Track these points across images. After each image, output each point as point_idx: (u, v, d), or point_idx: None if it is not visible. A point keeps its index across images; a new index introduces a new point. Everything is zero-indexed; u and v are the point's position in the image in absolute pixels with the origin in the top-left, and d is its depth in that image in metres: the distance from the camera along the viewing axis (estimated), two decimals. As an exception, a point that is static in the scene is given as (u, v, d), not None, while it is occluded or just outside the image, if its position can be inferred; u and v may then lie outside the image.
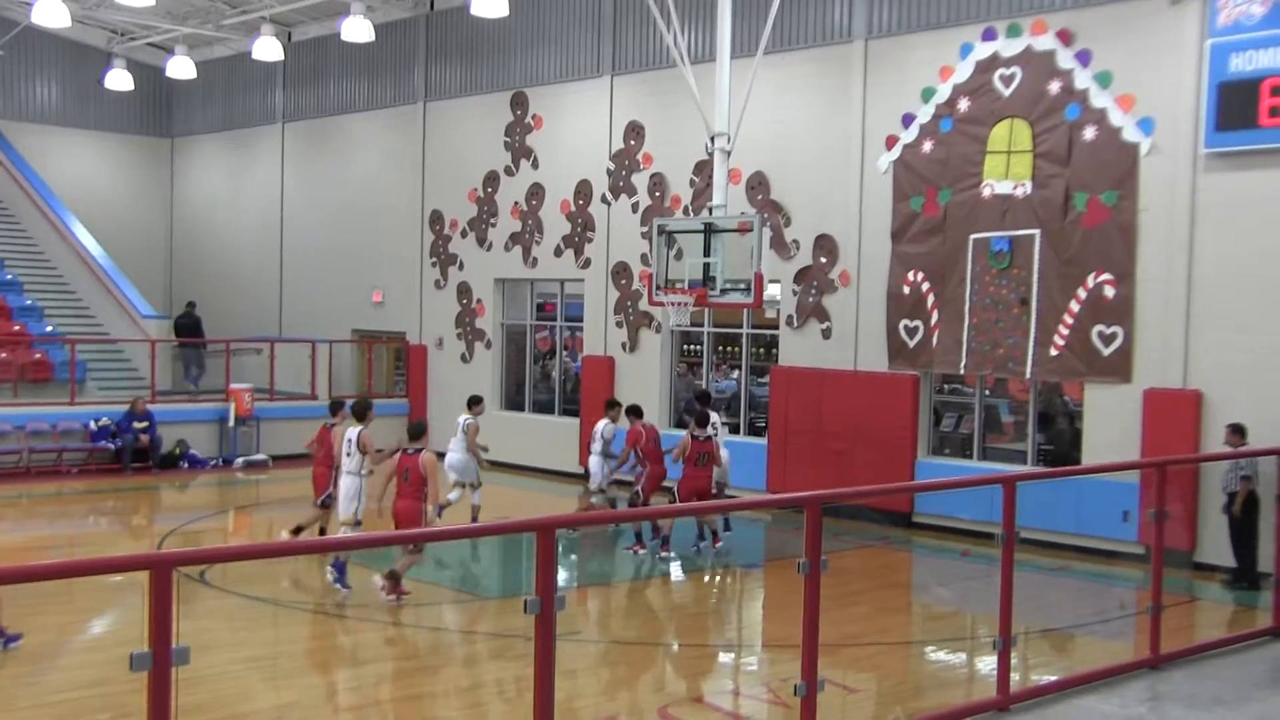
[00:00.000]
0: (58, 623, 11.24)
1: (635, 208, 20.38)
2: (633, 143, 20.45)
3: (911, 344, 16.92)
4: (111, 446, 21.16)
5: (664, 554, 14.49)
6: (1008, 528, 7.92)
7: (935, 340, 16.62)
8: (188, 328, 26.62)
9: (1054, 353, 15.47)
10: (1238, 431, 13.49)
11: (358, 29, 22.74)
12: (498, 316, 23.11)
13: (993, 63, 16.08)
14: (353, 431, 13.01)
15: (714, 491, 14.78)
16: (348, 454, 12.98)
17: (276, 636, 11.48)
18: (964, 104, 16.34)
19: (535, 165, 22.09)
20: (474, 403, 16.15)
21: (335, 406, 14.47)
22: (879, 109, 17.25)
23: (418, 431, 12.52)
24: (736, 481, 18.21)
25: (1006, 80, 15.95)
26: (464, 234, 23.47)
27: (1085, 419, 15.52)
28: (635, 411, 15.58)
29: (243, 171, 29.35)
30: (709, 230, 15.57)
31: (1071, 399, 16.40)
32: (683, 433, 15.39)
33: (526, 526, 6.54)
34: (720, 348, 20.38)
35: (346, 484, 12.96)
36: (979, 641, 11.22)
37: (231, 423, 22.39)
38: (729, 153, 16.01)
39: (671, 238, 16.05)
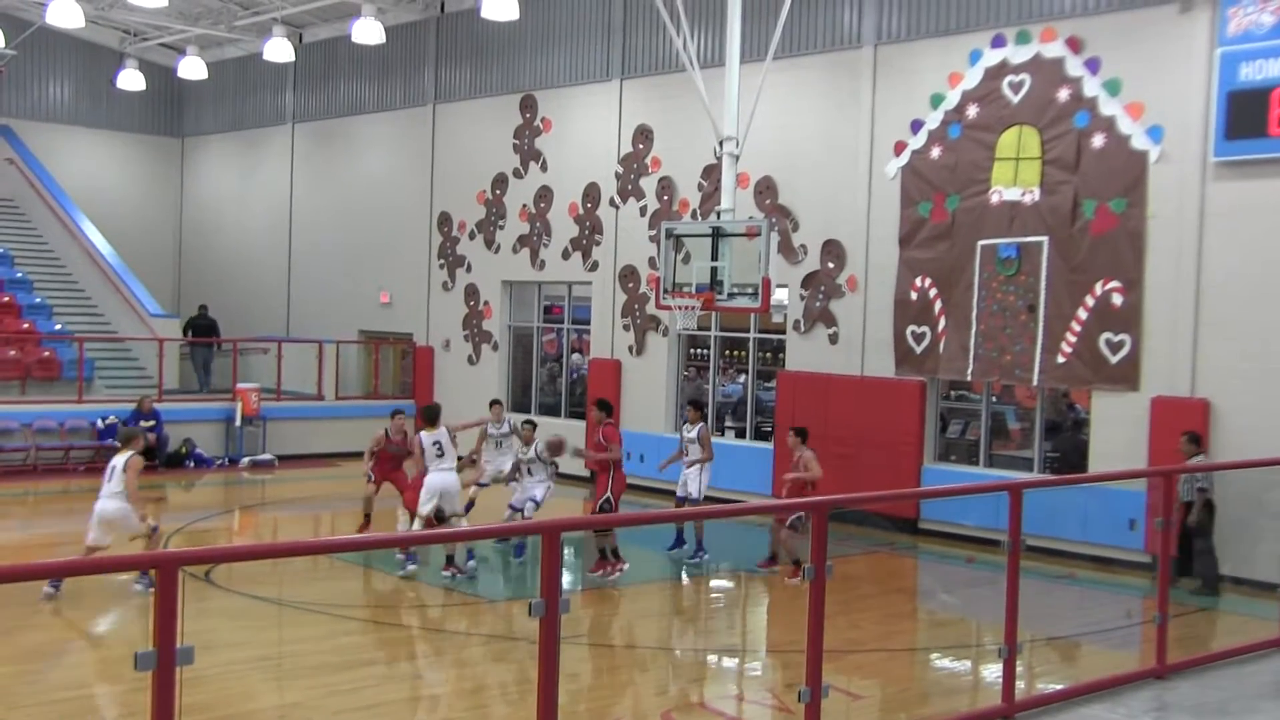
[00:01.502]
0: (63, 621, 11.26)
1: (643, 211, 20.38)
2: (641, 146, 20.47)
3: (918, 350, 16.91)
4: (118, 445, 21.16)
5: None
6: (1014, 535, 7.91)
7: (942, 346, 16.61)
8: (206, 329, 26.61)
9: (1061, 360, 15.44)
10: (1194, 441, 13.64)
11: (368, 31, 22.79)
12: (505, 319, 23.13)
13: (1002, 69, 16.07)
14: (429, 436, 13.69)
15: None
16: (439, 454, 13.58)
17: (281, 637, 11.50)
18: (973, 110, 16.33)
19: (544, 168, 22.11)
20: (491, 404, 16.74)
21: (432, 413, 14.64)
22: (888, 115, 17.24)
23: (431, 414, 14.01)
24: (743, 486, 18.24)
25: (1015, 87, 15.94)
26: (472, 236, 23.49)
27: (1092, 426, 15.49)
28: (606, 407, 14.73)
29: (252, 172, 29.42)
30: (717, 234, 15.56)
31: (1079, 406, 16.37)
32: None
33: (532, 529, 6.55)
34: (727, 352, 20.35)
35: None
36: (984, 649, 11.20)
37: (238, 422, 22.42)
38: (737, 157, 15.99)
39: (679, 241, 16.05)
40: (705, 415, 15.04)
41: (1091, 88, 15.21)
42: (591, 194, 21.25)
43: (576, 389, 22.34)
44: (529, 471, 14.23)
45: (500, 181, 22.87)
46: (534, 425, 14.83)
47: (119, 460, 12.32)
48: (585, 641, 11.03)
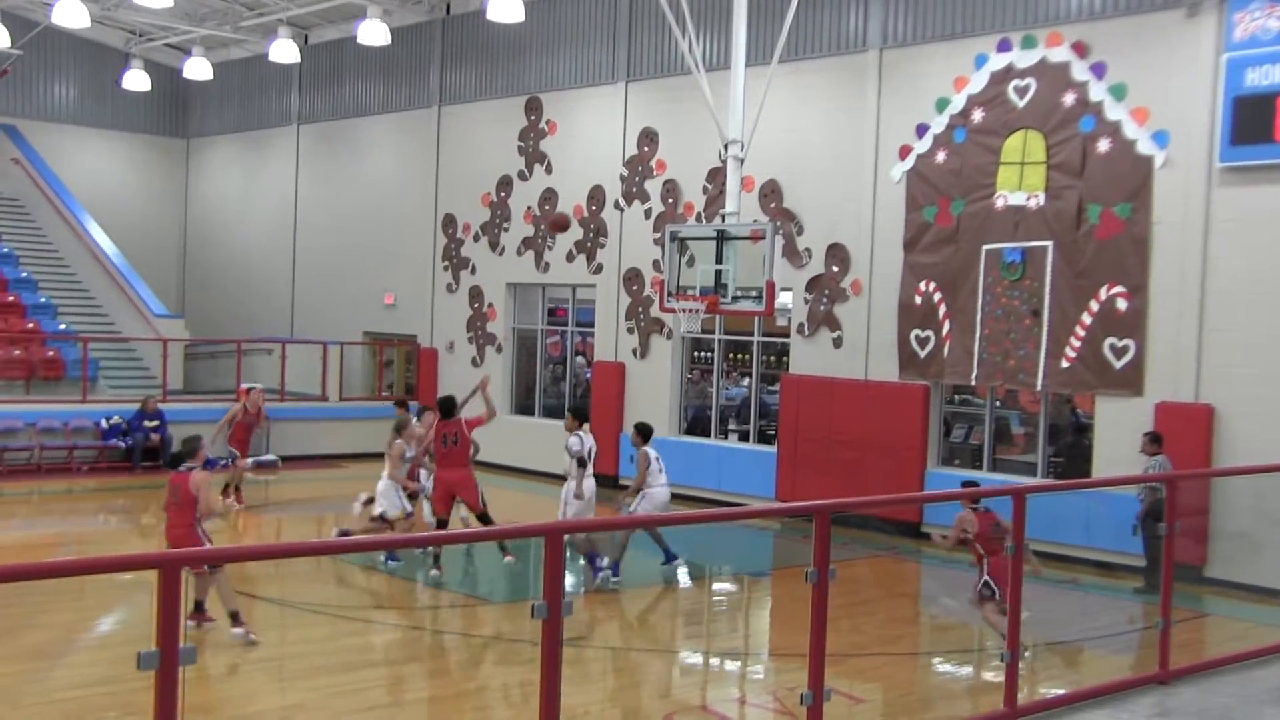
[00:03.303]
0: (66, 620, 11.27)
1: (648, 214, 20.38)
2: (646, 149, 20.47)
3: (922, 354, 16.90)
4: (122, 445, 21.21)
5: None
6: (1017, 539, 7.91)
7: (946, 351, 16.60)
8: None
9: (1065, 365, 15.43)
10: (1155, 440, 13.72)
11: (374, 32, 22.82)
12: (509, 321, 23.14)
13: (1007, 74, 16.07)
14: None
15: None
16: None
17: (283, 638, 11.50)
18: (978, 114, 16.32)
19: (549, 170, 22.12)
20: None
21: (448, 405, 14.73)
22: (893, 119, 17.24)
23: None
24: (746, 489, 18.25)
25: (1021, 91, 15.93)
26: (476, 238, 23.51)
27: (1096, 431, 15.48)
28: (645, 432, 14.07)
29: (257, 173, 29.45)
30: (721, 237, 15.57)
31: (1082, 411, 16.36)
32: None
33: (535, 531, 6.55)
34: (731, 355, 20.36)
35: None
36: (986, 653, 11.18)
37: (242, 423, 22.40)
38: (742, 160, 16.00)
39: (684, 244, 16.05)
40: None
41: (1097, 92, 15.20)
42: (596, 196, 21.25)
43: (578, 390, 22.35)
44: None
45: (505, 183, 22.88)
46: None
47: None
48: (587, 644, 11.02)
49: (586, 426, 13.83)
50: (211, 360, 26.70)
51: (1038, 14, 15.86)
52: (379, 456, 15.12)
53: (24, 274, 25.80)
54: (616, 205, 20.92)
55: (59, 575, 11.06)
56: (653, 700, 9.84)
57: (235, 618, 10.49)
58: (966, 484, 11.63)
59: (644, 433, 13.85)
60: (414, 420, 14.87)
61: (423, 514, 14.39)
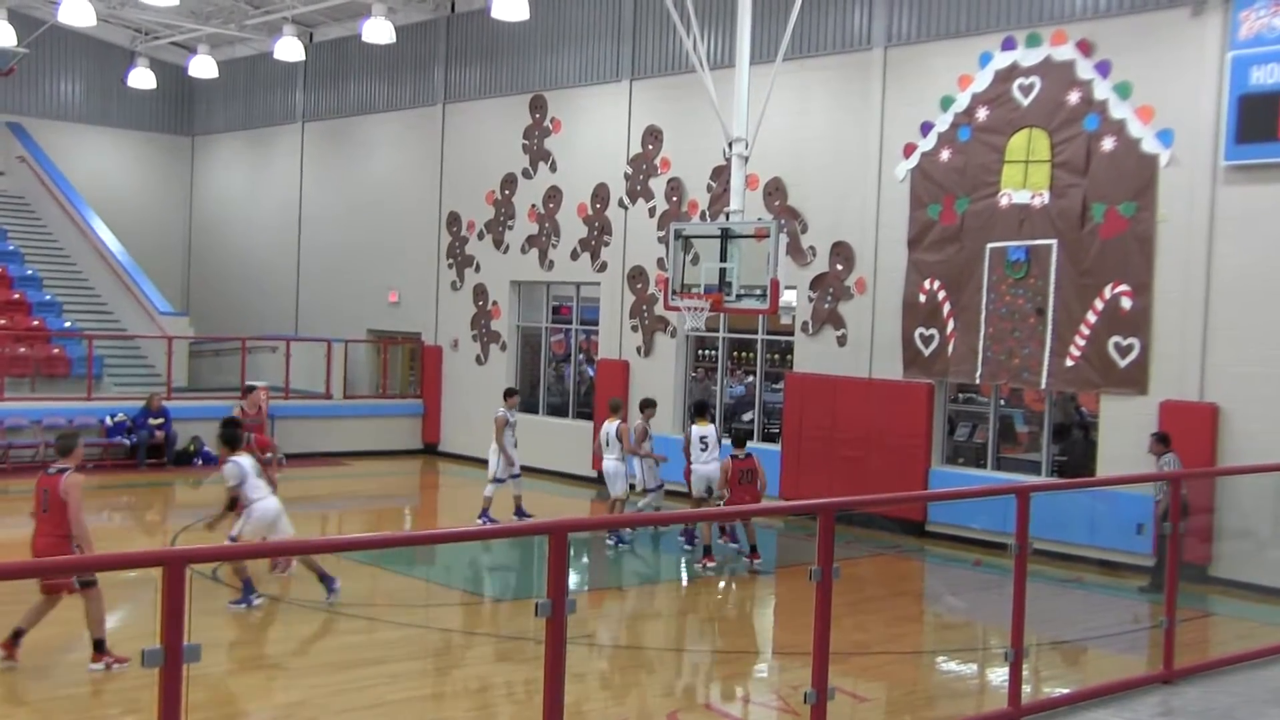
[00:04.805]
0: (70, 617, 11.27)
1: (652, 212, 20.38)
2: (650, 147, 20.46)
3: (927, 352, 16.88)
4: (127, 442, 21.24)
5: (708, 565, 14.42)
6: (1021, 538, 7.89)
7: (951, 349, 16.58)
8: None
9: (1070, 363, 15.42)
10: (1162, 440, 13.69)
11: (379, 30, 22.84)
12: (513, 319, 23.14)
13: (1012, 72, 16.05)
14: (610, 426, 15.91)
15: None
16: (606, 444, 15.88)
17: (287, 635, 11.51)
18: (982, 113, 16.30)
19: (553, 168, 22.12)
20: (645, 405, 16.35)
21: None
22: (897, 117, 17.22)
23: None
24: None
25: (1025, 90, 15.92)
26: (481, 236, 23.51)
27: (1100, 430, 15.46)
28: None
29: (262, 170, 29.48)
30: (726, 235, 15.57)
31: (1087, 410, 16.34)
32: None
33: (539, 529, 6.56)
34: (735, 353, 20.35)
35: (610, 468, 15.85)
36: (990, 652, 11.18)
37: (246, 421, 22.41)
38: (747, 158, 16.00)
39: (688, 243, 16.05)
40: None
41: (1102, 91, 15.18)
42: (600, 194, 21.25)
43: (582, 388, 22.36)
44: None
45: (509, 181, 22.88)
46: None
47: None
48: (591, 642, 11.03)
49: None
50: (216, 358, 26.74)
51: (1042, 12, 15.84)
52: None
53: (29, 271, 25.85)
54: (621, 203, 20.92)
55: (63, 572, 11.11)
56: (656, 698, 9.84)
57: (99, 646, 9.51)
58: (737, 427, 14.14)
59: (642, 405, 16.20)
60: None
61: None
